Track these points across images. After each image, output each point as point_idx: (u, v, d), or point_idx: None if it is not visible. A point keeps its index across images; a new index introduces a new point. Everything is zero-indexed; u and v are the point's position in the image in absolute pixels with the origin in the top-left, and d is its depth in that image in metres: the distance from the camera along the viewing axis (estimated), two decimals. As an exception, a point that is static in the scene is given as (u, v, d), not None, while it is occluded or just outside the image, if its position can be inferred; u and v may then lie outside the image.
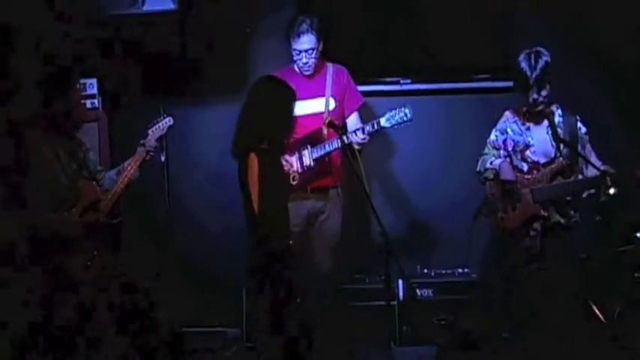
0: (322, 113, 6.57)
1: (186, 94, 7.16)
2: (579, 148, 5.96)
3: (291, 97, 5.51)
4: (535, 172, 5.98)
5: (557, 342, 5.78)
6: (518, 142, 6.07)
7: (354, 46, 7.20)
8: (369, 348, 6.49)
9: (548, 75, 5.86)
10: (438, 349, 6.16)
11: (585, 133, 6.05)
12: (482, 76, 7.24)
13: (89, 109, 6.64)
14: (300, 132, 6.31)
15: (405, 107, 6.28)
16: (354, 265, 6.93)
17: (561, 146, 5.93)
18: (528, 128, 6.06)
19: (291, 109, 5.53)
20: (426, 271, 6.84)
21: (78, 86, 6.14)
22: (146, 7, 6.49)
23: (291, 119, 5.55)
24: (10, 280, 5.57)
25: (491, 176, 6.08)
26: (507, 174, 6.02)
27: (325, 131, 6.49)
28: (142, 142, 6.24)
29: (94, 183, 6.02)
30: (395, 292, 6.51)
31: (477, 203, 6.18)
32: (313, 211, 6.61)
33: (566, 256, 5.91)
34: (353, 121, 6.68)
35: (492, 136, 6.22)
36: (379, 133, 6.60)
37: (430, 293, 6.66)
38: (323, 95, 6.62)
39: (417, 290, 6.56)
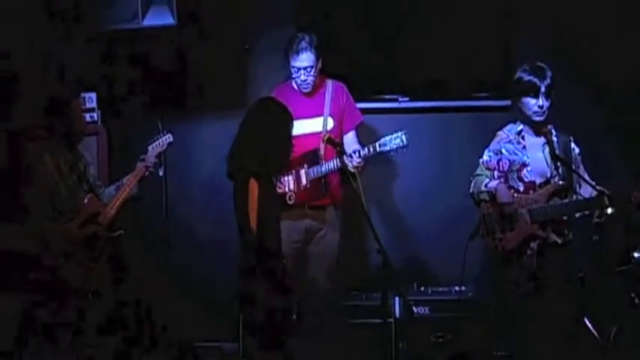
0: (320, 133, 6.57)
1: (184, 109, 7.16)
2: (573, 168, 5.98)
3: (289, 121, 5.47)
4: (531, 191, 5.98)
5: (552, 361, 5.80)
6: (514, 161, 6.06)
7: (353, 63, 7.21)
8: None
9: (553, 89, 5.89)
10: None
11: (579, 154, 6.07)
12: (480, 94, 7.25)
13: (88, 122, 6.64)
14: (297, 151, 6.18)
15: (401, 133, 6.30)
16: (351, 283, 6.92)
17: (558, 165, 5.95)
18: (524, 147, 6.07)
19: (289, 133, 5.48)
20: (422, 288, 6.83)
21: (79, 99, 6.18)
22: (146, 22, 6.52)
23: (289, 144, 5.50)
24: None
25: (487, 198, 6.04)
26: (504, 196, 5.97)
27: (323, 151, 6.51)
28: (141, 157, 6.25)
29: (94, 196, 6.03)
30: (392, 309, 6.51)
31: (474, 222, 6.16)
32: (310, 228, 6.61)
33: (561, 274, 5.92)
34: (350, 139, 6.68)
35: (485, 157, 6.19)
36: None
37: (427, 311, 6.65)
38: (322, 114, 6.61)
39: (414, 308, 6.56)
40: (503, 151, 6.12)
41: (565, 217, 5.97)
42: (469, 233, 6.08)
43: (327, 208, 6.65)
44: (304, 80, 6.53)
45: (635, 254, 6.16)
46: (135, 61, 6.88)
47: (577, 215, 5.97)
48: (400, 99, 7.24)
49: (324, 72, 6.67)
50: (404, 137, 6.29)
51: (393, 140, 6.31)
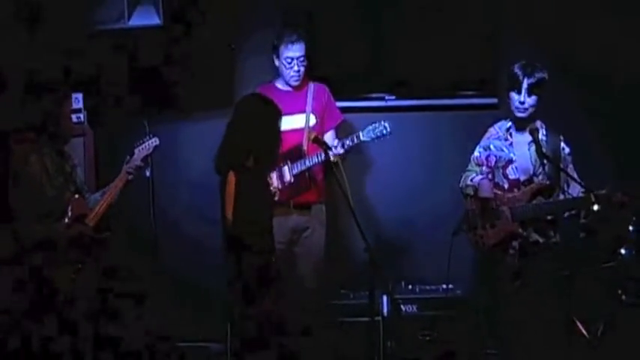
0: (303, 129, 6.63)
1: (172, 109, 7.15)
2: (562, 167, 5.99)
3: (278, 115, 5.54)
4: (516, 189, 6.00)
5: (540, 359, 5.81)
6: (500, 157, 6.09)
7: (340, 61, 7.22)
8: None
9: (541, 89, 5.89)
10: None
11: (569, 154, 6.08)
12: (467, 92, 7.26)
13: (75, 123, 6.61)
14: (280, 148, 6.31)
15: (384, 121, 6.36)
16: (338, 281, 6.93)
17: (545, 163, 5.96)
18: (511, 144, 6.08)
19: (278, 127, 5.56)
20: (410, 287, 6.85)
21: (66, 100, 6.16)
22: (132, 22, 6.51)
23: (278, 137, 5.57)
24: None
25: (471, 192, 6.09)
26: (486, 191, 6.02)
27: (305, 147, 6.55)
28: (127, 159, 6.23)
29: (81, 197, 6.02)
30: (379, 308, 6.51)
31: (460, 218, 6.19)
32: (296, 227, 6.63)
33: (545, 275, 5.92)
34: (329, 138, 6.70)
35: (476, 153, 6.24)
36: (363, 151, 6.63)
37: (415, 309, 6.67)
38: (304, 111, 6.68)
39: (402, 306, 6.56)
40: (492, 147, 6.14)
41: (549, 217, 5.99)
42: (453, 229, 6.10)
43: (313, 206, 6.68)
44: (297, 71, 6.62)
45: (622, 251, 6.18)
46: (121, 61, 6.86)
47: (565, 215, 5.99)
48: (387, 97, 7.24)
49: (307, 74, 6.72)
50: (386, 124, 6.36)
51: (377, 128, 6.38)
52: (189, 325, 6.93)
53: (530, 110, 5.92)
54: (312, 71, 6.80)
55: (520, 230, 5.93)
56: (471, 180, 6.14)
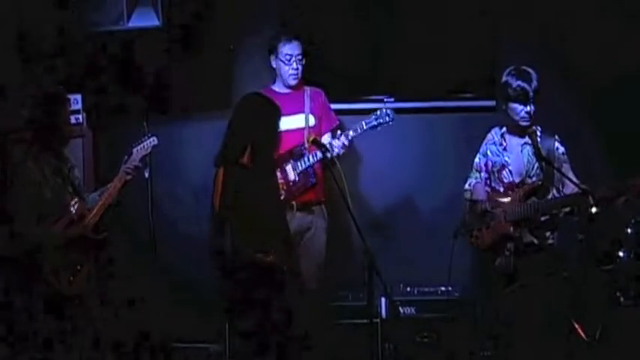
0: (303, 129, 6.67)
1: (170, 110, 7.15)
2: (556, 167, 6.00)
3: (277, 114, 5.60)
4: (511, 192, 6.03)
5: (539, 361, 5.82)
6: (495, 162, 6.14)
7: (339, 64, 7.23)
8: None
9: (539, 93, 5.91)
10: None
11: (563, 153, 6.09)
12: (466, 95, 7.27)
13: (73, 124, 6.61)
14: (282, 148, 6.33)
15: (386, 109, 6.45)
16: (337, 283, 6.93)
17: (543, 165, 5.97)
18: (505, 148, 6.11)
19: (277, 126, 5.63)
20: (408, 289, 6.85)
21: (65, 101, 6.15)
22: (131, 24, 6.51)
23: (276, 135, 5.66)
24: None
25: (468, 196, 6.20)
26: (479, 194, 6.14)
27: (307, 147, 6.57)
28: (125, 159, 6.23)
29: (80, 199, 6.02)
30: (378, 309, 6.52)
31: (459, 221, 6.21)
32: (299, 228, 6.63)
33: (540, 276, 5.93)
34: (326, 140, 6.69)
35: (476, 159, 6.31)
36: (361, 152, 6.62)
37: (413, 311, 6.68)
38: (303, 111, 6.71)
39: (400, 308, 6.57)
40: (489, 152, 6.20)
41: (543, 218, 6.00)
42: (453, 232, 6.11)
43: (315, 207, 6.70)
44: (296, 69, 6.67)
45: (620, 253, 6.18)
46: (120, 62, 6.86)
47: (561, 215, 6.00)
48: (386, 100, 7.24)
49: (303, 78, 6.77)
50: (389, 112, 6.47)
51: (379, 117, 6.48)
52: (188, 326, 6.93)
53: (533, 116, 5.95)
54: (311, 75, 6.82)
55: (512, 230, 5.95)
56: (469, 185, 6.25)
